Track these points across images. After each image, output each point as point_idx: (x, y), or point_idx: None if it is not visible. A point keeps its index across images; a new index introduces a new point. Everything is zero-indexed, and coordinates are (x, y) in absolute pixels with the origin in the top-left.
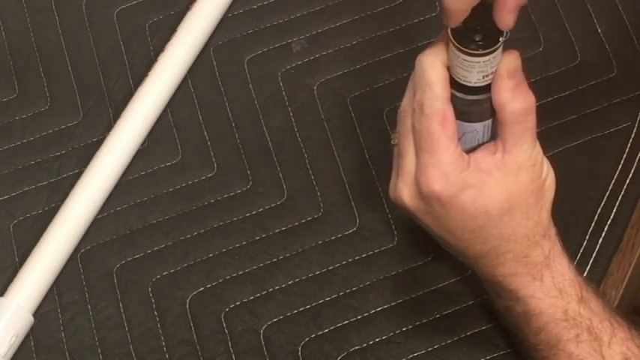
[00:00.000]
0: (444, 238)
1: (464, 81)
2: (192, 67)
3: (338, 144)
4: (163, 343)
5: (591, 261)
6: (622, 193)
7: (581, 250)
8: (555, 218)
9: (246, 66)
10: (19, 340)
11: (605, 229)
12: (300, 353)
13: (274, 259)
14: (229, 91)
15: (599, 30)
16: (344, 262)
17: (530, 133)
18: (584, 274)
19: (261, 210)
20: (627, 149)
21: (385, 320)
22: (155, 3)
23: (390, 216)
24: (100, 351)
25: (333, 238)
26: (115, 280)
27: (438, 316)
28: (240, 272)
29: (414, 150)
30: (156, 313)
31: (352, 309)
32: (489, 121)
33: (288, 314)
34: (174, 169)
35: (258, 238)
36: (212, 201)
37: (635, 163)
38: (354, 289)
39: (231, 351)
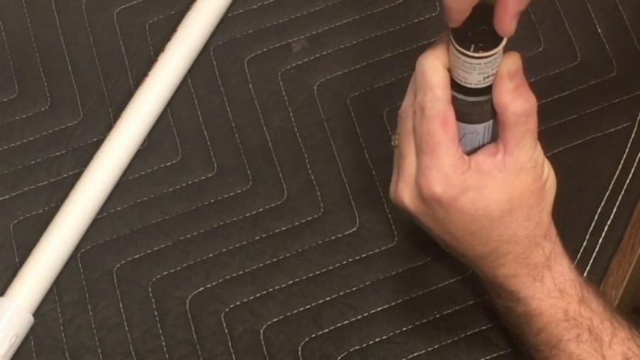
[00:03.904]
0: (444, 240)
1: (464, 82)
2: (192, 67)
3: (338, 144)
4: (163, 343)
5: (591, 261)
6: (622, 193)
7: (581, 250)
8: (555, 218)
9: (246, 66)
10: (19, 340)
11: (605, 229)
12: (300, 353)
13: (274, 259)
14: (229, 91)
15: (599, 30)
16: (344, 262)
17: (531, 134)
18: (584, 274)
19: (261, 210)
20: (627, 149)
21: (385, 320)
22: (155, 3)
23: (390, 216)
24: (100, 351)
25: (333, 238)
26: (115, 280)
27: (438, 316)
28: (240, 272)
29: (414, 152)
30: (156, 313)
31: (352, 309)
32: (490, 123)
33: (288, 314)
34: (174, 169)
35: (258, 238)
36: (212, 201)
37: (635, 163)
38: (354, 289)
39: (231, 351)
